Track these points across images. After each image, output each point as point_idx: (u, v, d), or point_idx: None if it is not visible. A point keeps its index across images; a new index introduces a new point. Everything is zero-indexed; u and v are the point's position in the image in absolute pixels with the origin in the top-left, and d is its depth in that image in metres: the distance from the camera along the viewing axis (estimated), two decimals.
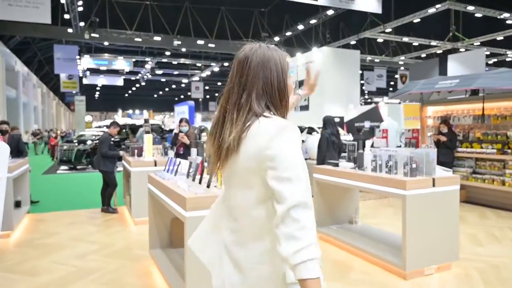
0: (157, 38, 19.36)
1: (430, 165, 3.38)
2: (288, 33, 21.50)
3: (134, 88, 40.90)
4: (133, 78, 32.18)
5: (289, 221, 0.97)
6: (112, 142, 5.92)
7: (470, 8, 16.84)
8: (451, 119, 6.65)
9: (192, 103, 21.20)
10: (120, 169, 6.81)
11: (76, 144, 11.98)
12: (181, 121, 6.33)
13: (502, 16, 17.51)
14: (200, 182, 2.92)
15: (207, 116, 39.68)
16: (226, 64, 27.00)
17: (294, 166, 1.01)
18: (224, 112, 1.16)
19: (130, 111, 43.72)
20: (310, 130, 13.72)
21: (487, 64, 21.51)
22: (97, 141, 8.81)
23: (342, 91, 17.11)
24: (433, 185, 3.35)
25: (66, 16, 16.57)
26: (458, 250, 3.56)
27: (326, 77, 16.32)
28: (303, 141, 8.64)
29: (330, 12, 18.26)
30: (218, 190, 2.64)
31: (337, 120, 16.08)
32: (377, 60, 24.82)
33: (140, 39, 19.10)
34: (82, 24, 17.83)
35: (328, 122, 5.95)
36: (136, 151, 5.65)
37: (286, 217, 0.97)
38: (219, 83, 37.40)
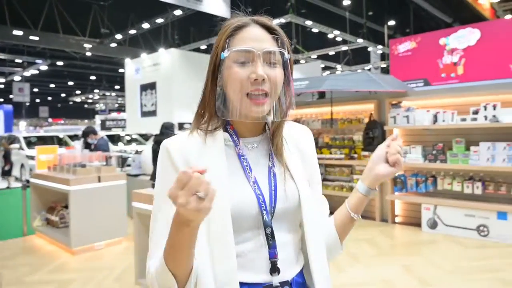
0: None
1: None
2: (133, 31, 19.50)
3: None
4: None
5: None
6: None
7: (308, 23, 18.10)
8: (301, 123, 6.25)
9: (9, 107, 17.18)
10: None
11: None
12: None
13: (333, 34, 19.42)
14: None
15: (37, 123, 33.59)
16: (60, 63, 23.04)
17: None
18: None
19: None
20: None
21: None
22: None
23: (193, 96, 16.19)
24: None
25: None
26: None
27: (175, 80, 15.15)
28: (137, 151, 7.21)
29: (178, 13, 17.16)
30: None
31: (187, 126, 15.23)
32: None
33: None
34: None
35: (163, 128, 5.05)
36: None
37: None
38: (51, 85, 32.01)
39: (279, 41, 0.84)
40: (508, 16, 16.00)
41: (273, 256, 0.80)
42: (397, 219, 5.42)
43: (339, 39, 20.48)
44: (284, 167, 0.87)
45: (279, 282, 0.80)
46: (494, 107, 4.34)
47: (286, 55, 0.84)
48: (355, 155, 5.63)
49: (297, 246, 0.88)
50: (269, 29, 0.85)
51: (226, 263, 0.76)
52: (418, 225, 5.04)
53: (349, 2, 17.74)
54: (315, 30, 19.06)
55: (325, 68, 24.73)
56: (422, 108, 5.03)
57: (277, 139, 0.89)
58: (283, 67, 0.84)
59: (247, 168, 0.84)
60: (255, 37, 0.81)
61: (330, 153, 5.87)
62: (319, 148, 6.09)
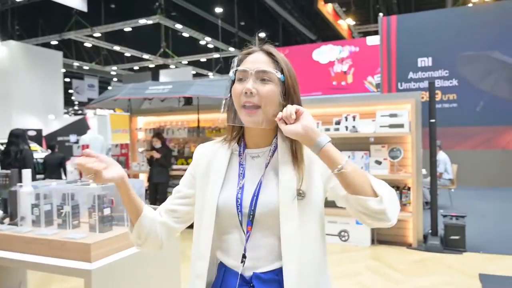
0: None
1: None
2: None
3: None
4: None
5: None
6: None
7: (178, 26, 17.76)
8: (165, 131, 5.87)
9: None
10: None
11: None
12: None
13: (204, 41, 19.47)
14: None
15: None
16: None
17: None
18: None
19: None
20: None
21: None
22: None
23: (40, 98, 14.19)
24: None
25: None
26: None
27: (14, 78, 13.01)
28: None
29: None
30: None
31: (32, 133, 13.19)
32: (86, 68, 22.70)
33: None
34: None
35: (12, 137, 4.53)
36: None
37: None
38: None
39: (278, 64, 1.04)
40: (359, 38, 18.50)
41: (244, 250, 1.01)
42: None
43: (210, 46, 20.65)
44: (275, 179, 1.02)
45: (242, 273, 1.01)
46: (354, 118, 4.71)
47: (278, 75, 1.01)
48: None
49: (275, 249, 1.01)
50: (270, 55, 1.05)
51: (206, 239, 1.04)
52: None
53: (221, 10, 18.06)
54: (185, 34, 18.82)
55: (196, 75, 24.68)
56: None
57: (281, 152, 1.04)
58: (283, 85, 1.03)
59: (241, 175, 1.05)
60: (255, 60, 1.03)
61: None
62: (185, 158, 5.80)
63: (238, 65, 1.05)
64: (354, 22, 18.40)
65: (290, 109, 0.94)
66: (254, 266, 1.01)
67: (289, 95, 1.03)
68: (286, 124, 0.95)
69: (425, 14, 10.13)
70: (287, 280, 0.96)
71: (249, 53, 1.07)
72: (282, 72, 1.03)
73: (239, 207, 1.01)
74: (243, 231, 1.02)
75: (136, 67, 23.93)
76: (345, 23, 18.02)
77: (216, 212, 1.03)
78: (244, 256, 1.01)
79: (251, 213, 1.00)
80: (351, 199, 0.95)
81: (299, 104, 1.03)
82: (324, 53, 12.45)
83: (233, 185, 1.05)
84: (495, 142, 8.86)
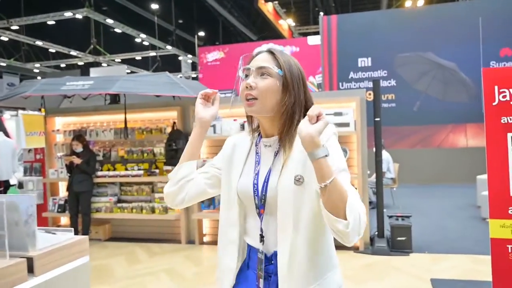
0: None
1: (25, 229, 1.61)
2: None
3: None
4: None
5: None
6: None
7: (110, 21, 16.73)
8: (88, 133, 5.25)
9: None
10: None
11: None
12: None
13: (139, 38, 18.56)
14: None
15: None
16: None
17: None
18: None
19: None
20: None
21: None
22: None
23: None
24: (32, 272, 1.61)
25: None
26: None
27: None
28: None
29: None
30: None
31: None
32: (3, 64, 20.68)
33: None
34: None
35: None
36: None
37: None
38: None
39: (278, 62, 1.17)
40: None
41: (261, 231, 1.17)
42: (205, 239, 5.13)
43: (146, 43, 19.76)
44: (280, 165, 1.15)
45: (262, 250, 1.17)
46: None
47: (276, 70, 1.15)
48: (157, 171, 5.06)
49: None
50: (272, 54, 1.20)
51: (234, 211, 1.22)
52: None
53: (157, 7, 17.33)
54: (118, 30, 17.79)
55: (130, 73, 23.55)
56: (229, 117, 4.85)
57: (284, 141, 1.16)
58: (284, 80, 1.16)
59: (257, 163, 1.21)
60: (258, 59, 1.19)
61: (126, 169, 5.10)
62: (112, 163, 5.24)
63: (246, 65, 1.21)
64: (294, 23, 18.57)
65: (315, 111, 1.00)
66: (274, 244, 1.15)
67: (287, 87, 1.15)
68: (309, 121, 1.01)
69: (365, 14, 10.36)
70: (280, 261, 1.11)
71: (257, 55, 1.21)
72: (281, 67, 1.16)
73: (256, 192, 1.16)
74: (258, 213, 1.17)
75: (62, 65, 22.27)
76: (285, 23, 18.12)
77: (237, 195, 1.19)
78: (262, 236, 1.16)
79: (263, 197, 1.15)
80: (323, 213, 1.00)
81: (303, 96, 1.18)
82: None
83: (251, 171, 1.20)
84: (431, 141, 9.22)
